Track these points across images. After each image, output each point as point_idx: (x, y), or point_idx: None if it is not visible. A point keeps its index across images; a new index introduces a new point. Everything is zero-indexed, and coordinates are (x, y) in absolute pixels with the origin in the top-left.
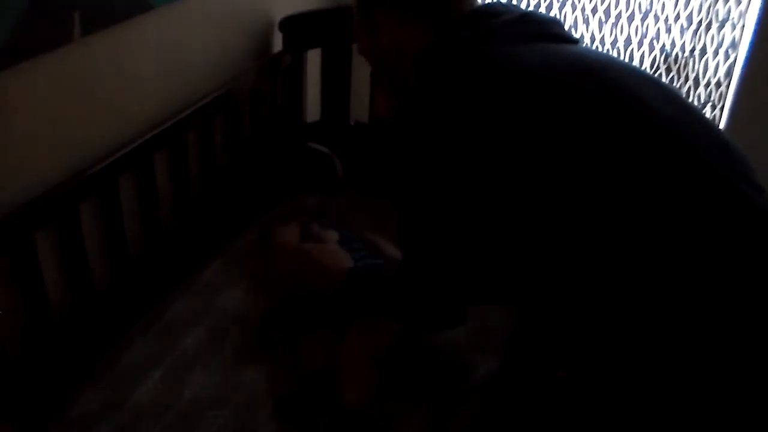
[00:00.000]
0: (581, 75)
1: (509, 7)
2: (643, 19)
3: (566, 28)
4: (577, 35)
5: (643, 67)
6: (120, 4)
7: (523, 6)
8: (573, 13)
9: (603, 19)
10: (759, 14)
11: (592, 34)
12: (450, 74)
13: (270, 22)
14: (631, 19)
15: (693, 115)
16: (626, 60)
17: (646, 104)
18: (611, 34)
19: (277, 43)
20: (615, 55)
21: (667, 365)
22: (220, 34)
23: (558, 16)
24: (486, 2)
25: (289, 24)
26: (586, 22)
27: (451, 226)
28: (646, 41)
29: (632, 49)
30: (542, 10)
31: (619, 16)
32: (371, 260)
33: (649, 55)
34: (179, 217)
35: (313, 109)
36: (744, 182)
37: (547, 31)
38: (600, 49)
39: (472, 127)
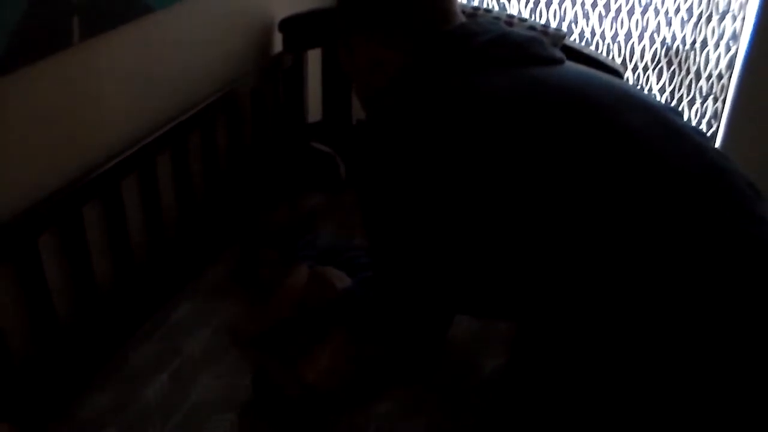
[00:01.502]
0: (556, 100)
1: (487, 27)
2: (643, 13)
3: (561, 30)
4: (577, 30)
5: (644, 61)
6: (119, 7)
7: (524, 1)
8: (573, 8)
9: (603, 14)
10: (759, 6)
11: (593, 29)
12: (420, 100)
13: (270, 23)
14: (631, 12)
15: (686, 141)
16: (627, 55)
17: (627, 129)
18: (611, 29)
19: (278, 44)
20: (616, 50)
21: (660, 374)
22: (220, 35)
23: (558, 12)
24: (464, 22)
25: (289, 24)
26: (586, 16)
27: (417, 245)
28: (647, 35)
29: (632, 43)
30: (542, 6)
31: (619, 10)
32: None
33: (650, 48)
34: (183, 218)
35: (314, 109)
36: (743, 213)
37: (524, 53)
38: (600, 43)
39: (441, 150)
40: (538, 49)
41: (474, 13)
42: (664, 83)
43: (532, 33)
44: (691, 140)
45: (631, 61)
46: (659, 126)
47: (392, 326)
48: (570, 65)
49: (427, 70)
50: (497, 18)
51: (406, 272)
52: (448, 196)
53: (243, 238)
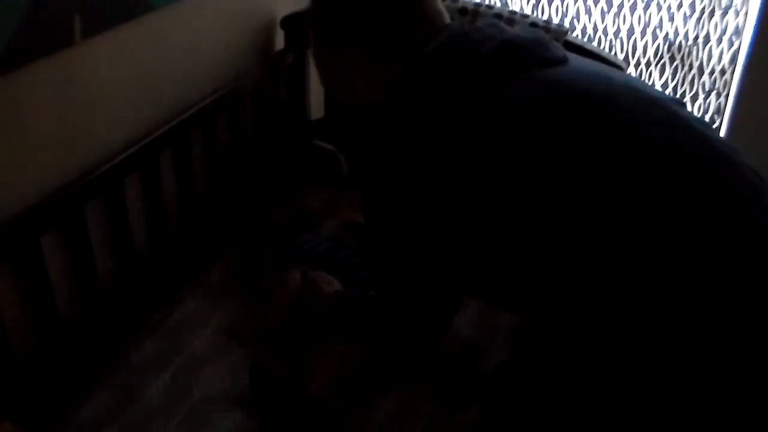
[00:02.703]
0: (565, 102)
1: (488, 33)
2: (646, 8)
3: (560, 23)
4: (579, 26)
5: (646, 57)
6: (120, 6)
7: None
8: (575, 3)
9: (605, 9)
10: (762, 1)
11: (595, 25)
12: (431, 109)
13: (272, 21)
14: (633, 8)
15: (693, 133)
16: (630, 51)
17: (635, 124)
18: (614, 24)
19: (280, 42)
20: (619, 46)
21: (665, 368)
22: (222, 33)
23: (560, 8)
24: (465, 30)
25: (290, 22)
26: (589, 12)
27: (427, 243)
28: (649, 30)
29: (635, 39)
30: (544, 2)
31: (621, 6)
32: (364, 270)
33: (653, 44)
34: (185, 216)
35: (317, 106)
36: (751, 203)
37: (528, 57)
38: (603, 39)
39: (455, 154)
40: (542, 52)
41: (476, 10)
42: (667, 79)
43: (534, 33)
44: (698, 132)
45: (633, 57)
46: (667, 119)
47: (394, 324)
48: (574, 63)
49: (434, 82)
50: (499, 15)
51: (412, 268)
52: (462, 196)
53: (243, 238)
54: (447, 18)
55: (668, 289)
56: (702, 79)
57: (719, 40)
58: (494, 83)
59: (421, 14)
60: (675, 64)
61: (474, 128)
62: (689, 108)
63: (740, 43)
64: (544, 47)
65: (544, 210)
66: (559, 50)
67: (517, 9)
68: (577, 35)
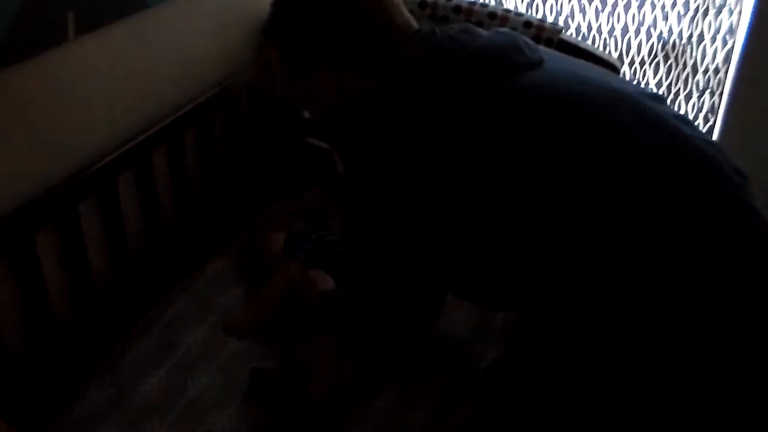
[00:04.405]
0: (544, 107)
1: (462, 41)
2: (640, 7)
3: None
4: (573, 24)
5: (640, 56)
6: (114, 3)
7: None
8: (569, 2)
9: (599, 8)
10: None
11: (589, 23)
12: (411, 118)
13: (266, 19)
14: (627, 6)
15: (671, 131)
16: (624, 49)
17: (616, 126)
18: (608, 23)
19: None
20: (613, 44)
21: (658, 366)
22: (216, 30)
23: (554, 6)
24: (437, 36)
25: None
26: (583, 10)
27: (411, 256)
28: (643, 29)
29: (629, 38)
30: (538, 0)
31: (615, 4)
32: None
33: (647, 43)
34: (179, 214)
35: None
36: (730, 203)
37: (502, 64)
38: (597, 38)
39: (439, 160)
40: (516, 57)
41: (470, 8)
42: (661, 77)
43: (508, 37)
44: (680, 131)
45: (627, 55)
46: (647, 119)
47: (380, 325)
48: (550, 65)
49: (413, 93)
50: (493, 13)
51: (397, 271)
52: (448, 201)
53: (253, 223)
54: (415, 24)
55: (657, 292)
56: (696, 78)
57: (713, 39)
58: (469, 92)
59: (390, 23)
60: (669, 62)
61: (453, 136)
62: (683, 107)
63: (734, 41)
64: (518, 51)
65: (528, 213)
66: (535, 53)
67: (511, 7)
68: (571, 34)
